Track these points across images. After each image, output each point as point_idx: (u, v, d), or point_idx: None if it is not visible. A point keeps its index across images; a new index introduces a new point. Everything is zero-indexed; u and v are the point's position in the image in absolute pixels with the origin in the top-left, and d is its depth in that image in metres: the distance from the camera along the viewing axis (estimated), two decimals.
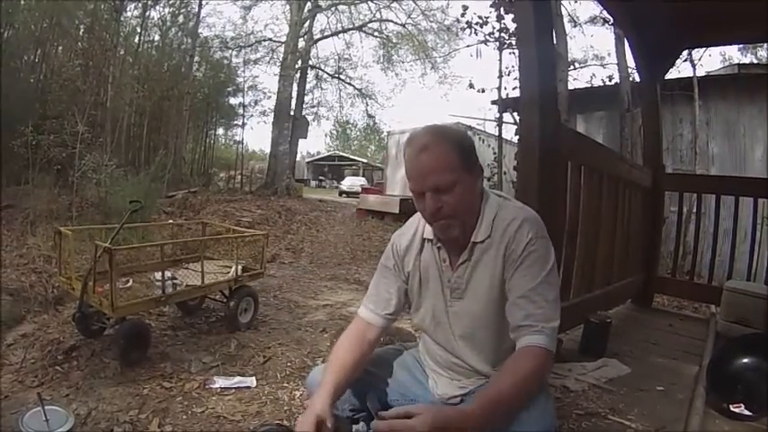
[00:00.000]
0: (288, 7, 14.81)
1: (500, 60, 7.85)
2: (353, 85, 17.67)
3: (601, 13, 8.99)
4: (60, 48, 9.01)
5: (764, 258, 3.68)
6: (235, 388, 2.06)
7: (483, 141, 8.97)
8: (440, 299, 1.10)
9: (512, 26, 6.92)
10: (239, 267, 2.95)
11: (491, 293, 1.02)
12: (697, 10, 2.44)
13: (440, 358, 1.15)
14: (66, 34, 8.69)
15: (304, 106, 16.66)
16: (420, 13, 15.05)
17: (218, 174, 17.05)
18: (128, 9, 10.96)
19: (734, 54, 12.50)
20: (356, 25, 16.17)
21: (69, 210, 5.86)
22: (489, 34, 7.73)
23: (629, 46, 3.19)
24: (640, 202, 2.81)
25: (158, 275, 2.56)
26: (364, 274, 5.17)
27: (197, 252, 3.08)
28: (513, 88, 7.38)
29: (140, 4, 11.39)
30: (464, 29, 7.93)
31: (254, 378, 2.15)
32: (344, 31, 16.33)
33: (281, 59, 14.96)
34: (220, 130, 19.89)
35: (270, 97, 16.83)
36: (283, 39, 15.13)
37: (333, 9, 15.79)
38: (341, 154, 34.95)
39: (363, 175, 29.26)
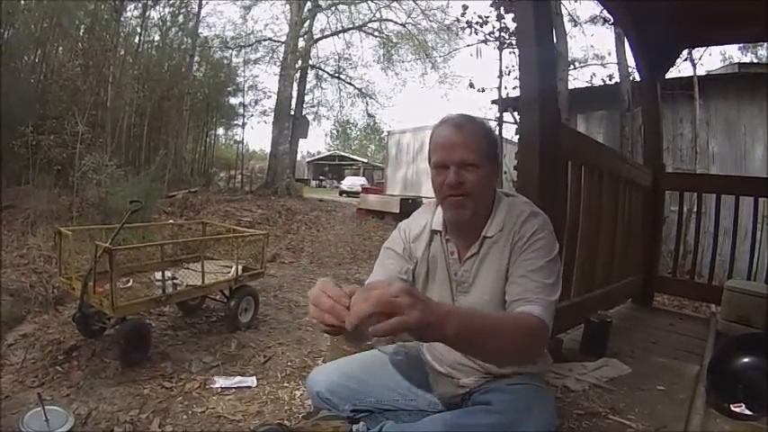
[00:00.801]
0: (288, 7, 14.79)
1: (500, 60, 7.85)
2: (353, 85, 17.63)
3: (601, 12, 9.00)
4: (60, 48, 8.98)
5: (765, 258, 3.68)
6: (235, 388, 2.06)
7: None
8: (446, 292, 1.09)
9: (512, 25, 6.92)
10: (239, 267, 2.96)
11: (497, 286, 1.02)
12: (697, 9, 2.43)
13: (441, 356, 1.15)
14: (67, 34, 8.66)
15: (304, 106, 16.63)
16: (420, 13, 15.03)
17: (218, 173, 16.99)
18: (128, 9, 10.92)
19: (734, 53, 12.44)
20: (356, 25, 16.14)
21: (70, 210, 5.85)
22: (489, 34, 7.75)
23: (630, 45, 3.19)
24: (641, 201, 2.81)
25: (159, 275, 2.56)
26: (365, 273, 5.16)
27: (197, 252, 3.09)
28: (514, 88, 7.39)
29: (140, 4, 11.35)
30: (464, 28, 7.97)
31: (254, 378, 2.15)
32: (344, 30, 16.30)
33: (281, 59, 14.95)
34: (220, 130, 19.82)
35: (270, 97, 16.81)
36: (283, 38, 15.11)
37: (333, 9, 15.76)
38: (341, 154, 34.89)
39: (363, 175, 29.19)
